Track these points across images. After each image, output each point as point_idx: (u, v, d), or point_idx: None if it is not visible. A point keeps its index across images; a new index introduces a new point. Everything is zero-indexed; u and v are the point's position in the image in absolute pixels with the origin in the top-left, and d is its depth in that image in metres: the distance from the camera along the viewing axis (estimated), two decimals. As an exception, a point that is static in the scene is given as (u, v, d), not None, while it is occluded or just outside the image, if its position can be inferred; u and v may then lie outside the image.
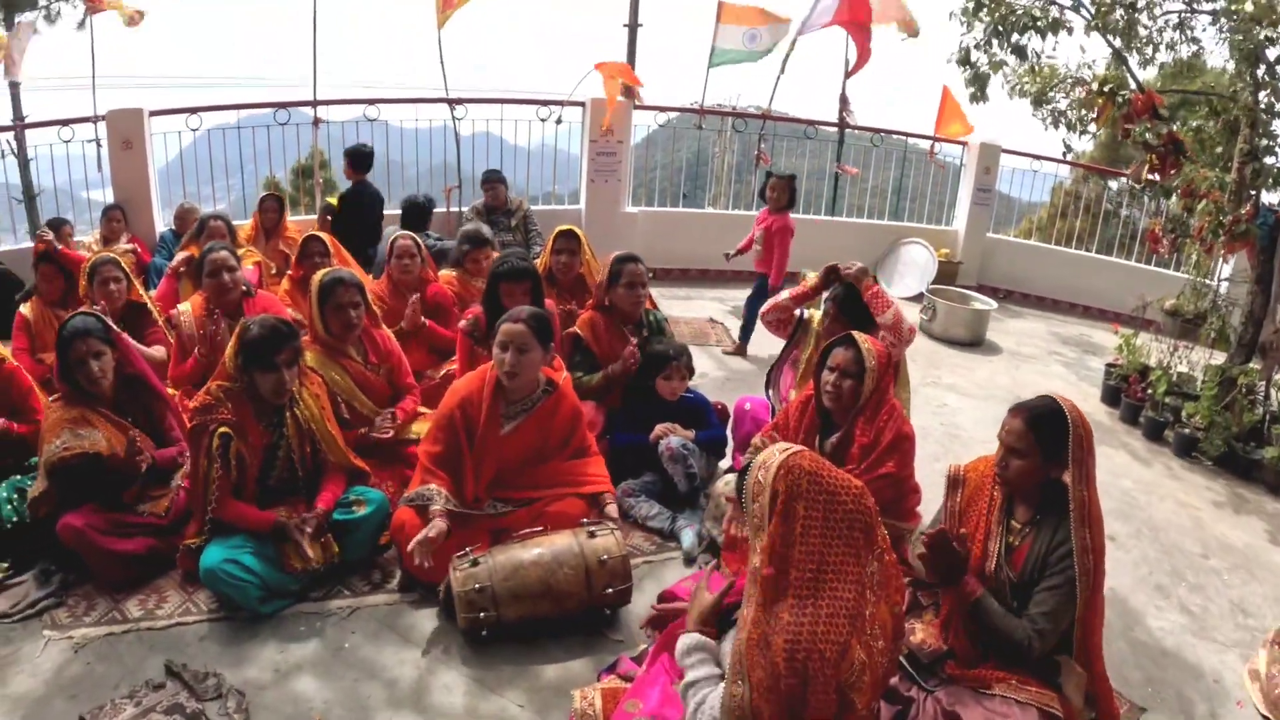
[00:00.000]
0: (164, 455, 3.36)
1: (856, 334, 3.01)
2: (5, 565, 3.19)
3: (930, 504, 3.06)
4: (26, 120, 7.92)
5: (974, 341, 6.62)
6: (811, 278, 3.69)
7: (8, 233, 7.45)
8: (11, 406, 3.57)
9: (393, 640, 2.87)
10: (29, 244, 6.45)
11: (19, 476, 3.39)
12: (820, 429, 3.10)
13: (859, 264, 3.52)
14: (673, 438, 3.61)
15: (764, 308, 3.80)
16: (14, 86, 9.33)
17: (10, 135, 6.88)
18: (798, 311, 3.78)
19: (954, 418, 5.12)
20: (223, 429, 2.98)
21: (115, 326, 4.23)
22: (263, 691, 2.62)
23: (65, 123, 6.66)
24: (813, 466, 1.81)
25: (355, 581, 3.16)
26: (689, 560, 3.36)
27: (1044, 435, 2.33)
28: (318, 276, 3.63)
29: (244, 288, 4.20)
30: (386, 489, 3.39)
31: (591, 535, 2.92)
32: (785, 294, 3.72)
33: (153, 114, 6.72)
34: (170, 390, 3.84)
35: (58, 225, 6.17)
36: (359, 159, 6.77)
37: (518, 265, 3.93)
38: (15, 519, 3.22)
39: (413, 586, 3.10)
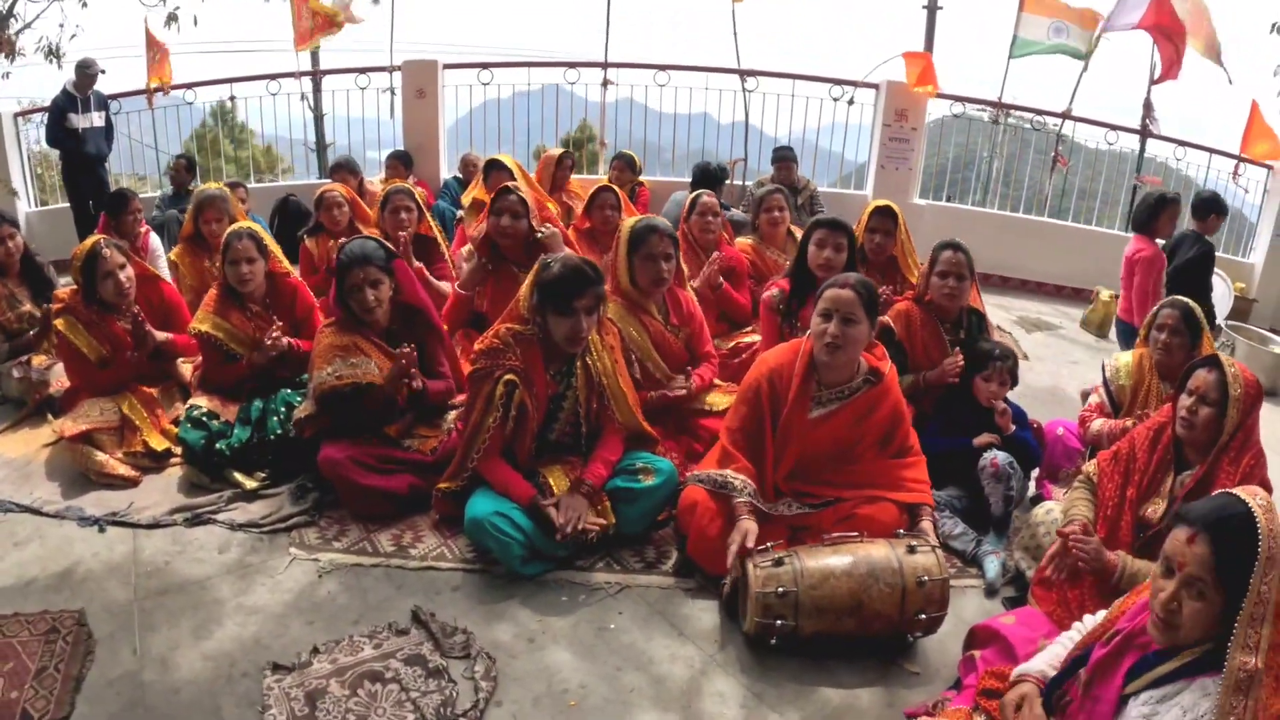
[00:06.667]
0: (435, 387, 3.21)
1: (1223, 356, 2.55)
2: (263, 475, 3.18)
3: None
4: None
5: (1269, 390, 5.44)
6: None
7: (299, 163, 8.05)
8: (296, 322, 3.59)
9: (663, 630, 2.52)
10: (316, 180, 6.91)
11: (290, 391, 3.38)
12: (1174, 464, 2.58)
13: None
14: (1000, 453, 3.05)
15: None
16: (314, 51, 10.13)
17: (310, 89, 7.39)
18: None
19: (1246, 478, 4.18)
20: (509, 376, 2.72)
21: (400, 254, 4.24)
22: (513, 660, 2.37)
23: (362, 70, 7.07)
24: None
25: (626, 556, 2.83)
26: (990, 592, 2.83)
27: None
28: (629, 222, 3.35)
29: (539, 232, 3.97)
30: (672, 460, 3.05)
31: (911, 550, 2.42)
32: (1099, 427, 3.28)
33: (446, 67, 6.97)
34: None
35: (346, 166, 6.50)
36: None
37: (837, 219, 3.58)
38: (279, 432, 3.21)
39: (690, 572, 2.74)
